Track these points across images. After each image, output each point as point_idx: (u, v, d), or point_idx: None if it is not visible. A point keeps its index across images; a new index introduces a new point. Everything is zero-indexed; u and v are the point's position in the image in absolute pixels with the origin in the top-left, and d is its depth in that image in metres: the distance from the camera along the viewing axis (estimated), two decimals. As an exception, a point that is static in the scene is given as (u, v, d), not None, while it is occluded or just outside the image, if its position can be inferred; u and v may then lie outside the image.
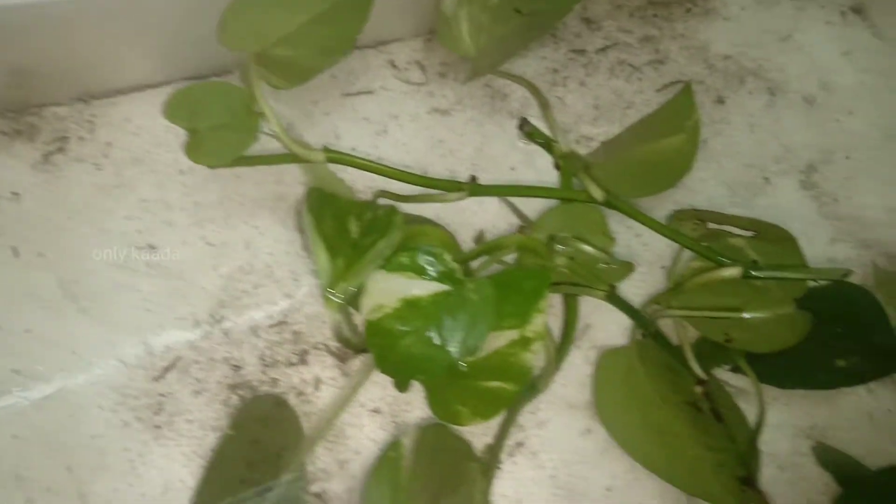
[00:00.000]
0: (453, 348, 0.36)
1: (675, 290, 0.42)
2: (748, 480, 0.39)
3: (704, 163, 0.52)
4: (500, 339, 0.38)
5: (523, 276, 0.39)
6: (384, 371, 0.36)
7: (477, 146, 0.50)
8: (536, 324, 0.38)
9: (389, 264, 0.37)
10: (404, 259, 0.37)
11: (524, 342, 0.38)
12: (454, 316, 0.37)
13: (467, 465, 0.39)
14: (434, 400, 0.39)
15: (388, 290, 0.37)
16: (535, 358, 0.38)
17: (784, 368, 0.45)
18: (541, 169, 0.50)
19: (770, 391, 0.46)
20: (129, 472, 0.39)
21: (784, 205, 0.53)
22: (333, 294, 0.36)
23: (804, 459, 0.46)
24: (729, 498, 0.40)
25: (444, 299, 0.37)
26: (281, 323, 0.43)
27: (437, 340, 0.36)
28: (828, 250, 0.52)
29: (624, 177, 0.47)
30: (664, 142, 0.48)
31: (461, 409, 0.38)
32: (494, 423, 0.44)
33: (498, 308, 0.38)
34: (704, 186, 0.51)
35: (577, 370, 0.46)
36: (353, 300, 0.38)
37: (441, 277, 0.37)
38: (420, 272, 0.37)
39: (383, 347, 0.36)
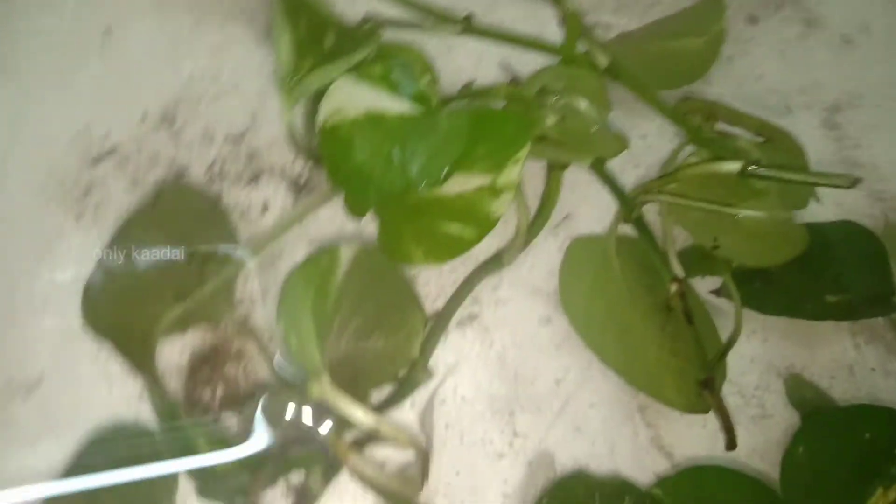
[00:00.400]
0: (414, 170, 0.33)
1: (667, 177, 0.38)
2: (708, 383, 0.36)
3: (725, 79, 0.48)
4: (468, 183, 0.35)
5: (505, 118, 0.35)
6: (335, 182, 0.33)
7: (484, 9, 0.46)
8: (511, 174, 0.35)
9: (359, 72, 0.33)
10: (377, 69, 0.33)
11: (494, 191, 0.35)
12: (420, 138, 0.33)
13: (410, 312, 0.35)
14: (386, 235, 0.35)
15: (352, 97, 0.33)
16: (503, 210, 0.35)
17: (770, 293, 0.41)
18: (549, 42, 0.46)
19: (750, 323, 0.42)
20: (42, 249, 0.36)
21: (802, 137, 0.48)
22: (292, 85, 0.32)
23: (771, 396, 0.42)
24: (683, 401, 0.36)
25: (412, 120, 0.33)
26: (238, 138, 0.40)
27: (397, 159, 0.33)
28: (838, 194, 0.47)
29: (634, 66, 0.43)
30: (684, 41, 0.45)
31: (414, 249, 0.34)
32: (448, 287, 0.41)
33: (471, 148, 0.34)
34: (720, 101, 0.48)
35: (549, 258, 0.42)
36: (313, 107, 0.34)
37: (414, 98, 0.34)
38: (392, 87, 0.34)
39: (337, 156, 0.33)
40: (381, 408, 0.34)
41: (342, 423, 0.31)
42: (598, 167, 0.38)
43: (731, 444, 0.35)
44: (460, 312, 0.40)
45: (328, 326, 0.31)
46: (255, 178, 0.39)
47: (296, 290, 0.31)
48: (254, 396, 0.31)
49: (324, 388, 0.29)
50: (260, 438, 0.30)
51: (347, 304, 0.32)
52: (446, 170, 0.33)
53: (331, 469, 0.33)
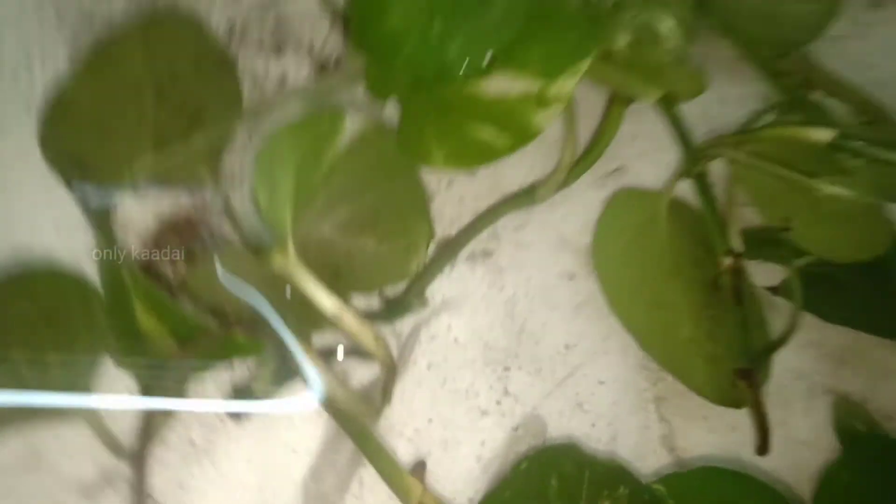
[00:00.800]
0: (453, 49, 0.28)
1: (747, 133, 0.33)
2: (748, 375, 0.30)
3: (832, 57, 0.41)
4: (513, 85, 0.30)
5: (571, 21, 0.29)
6: (360, 46, 0.28)
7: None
8: (565, 85, 0.29)
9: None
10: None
11: (541, 100, 0.30)
12: (469, 15, 0.28)
13: (416, 223, 0.30)
14: (406, 126, 0.30)
15: (398, -42, 0.28)
16: (547, 124, 0.30)
17: (837, 298, 0.35)
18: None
19: (807, 332, 0.36)
20: (19, 61, 0.32)
21: (907, 143, 0.43)
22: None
23: (811, 420, 0.36)
24: (713, 390, 0.30)
25: (462, -3, 0.29)
26: (269, 1, 0.35)
27: (436, 32, 0.28)
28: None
29: (732, 20, 0.38)
30: (792, 4, 0.39)
31: (435, 148, 0.29)
32: (466, 216, 0.36)
33: (525, 45, 0.29)
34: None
35: (587, 209, 0.36)
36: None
37: (469, -25, 0.29)
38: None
39: (368, 15, 0.28)
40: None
41: (305, 320, 0.26)
42: (667, 106, 0.32)
43: (763, 447, 0.29)
44: (474, 244, 0.35)
45: (310, 196, 0.27)
46: (278, 49, 0.35)
47: (282, 143, 0.26)
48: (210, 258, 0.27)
49: (288, 259, 0.24)
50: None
51: (341, 183, 0.28)
52: (490, 56, 0.28)
53: (281, 374, 0.28)
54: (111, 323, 0.27)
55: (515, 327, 0.35)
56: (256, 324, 0.26)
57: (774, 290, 0.36)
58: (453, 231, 0.35)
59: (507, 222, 0.36)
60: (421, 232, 0.31)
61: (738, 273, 0.31)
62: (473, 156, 0.29)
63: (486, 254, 0.35)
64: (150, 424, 0.27)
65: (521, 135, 0.30)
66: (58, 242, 0.30)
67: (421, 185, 0.31)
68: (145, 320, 0.26)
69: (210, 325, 0.26)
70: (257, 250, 0.25)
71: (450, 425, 0.33)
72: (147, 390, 0.27)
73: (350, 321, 0.24)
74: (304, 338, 0.28)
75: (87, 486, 0.30)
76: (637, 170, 0.38)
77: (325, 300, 0.24)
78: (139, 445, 0.27)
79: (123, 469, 0.30)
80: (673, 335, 0.32)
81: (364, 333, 0.25)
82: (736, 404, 0.31)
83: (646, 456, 0.34)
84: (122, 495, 0.30)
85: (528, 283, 0.35)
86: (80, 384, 0.27)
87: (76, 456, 0.30)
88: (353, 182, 0.28)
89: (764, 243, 0.35)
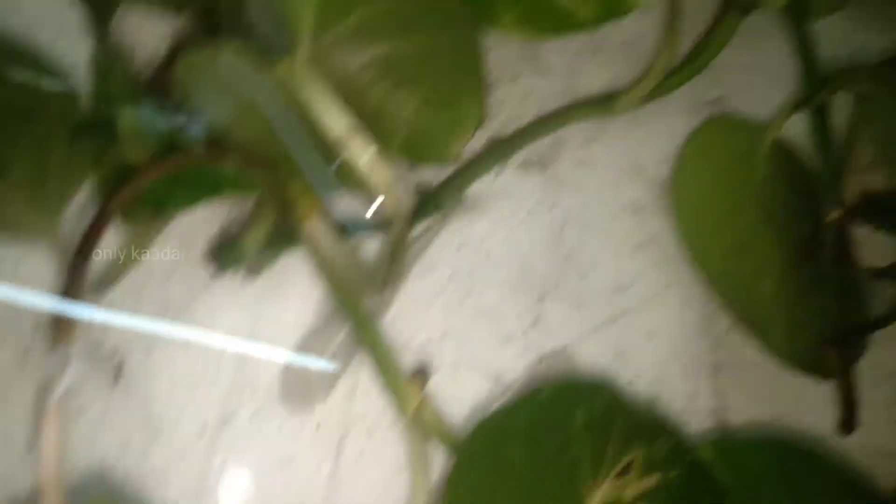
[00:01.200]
0: None
1: (890, 66, 0.27)
2: (841, 341, 0.24)
3: None
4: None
5: None
6: None
7: None
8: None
9: None
10: None
11: (640, -22, 0.25)
12: None
13: (467, 96, 0.25)
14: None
15: None
16: (641, 2, 0.25)
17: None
18: None
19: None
20: None
21: None
22: None
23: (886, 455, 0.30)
24: (793, 354, 0.25)
25: None
26: None
27: None
28: None
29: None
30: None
31: (505, 10, 0.25)
32: (526, 117, 0.30)
33: None
34: None
35: (671, 138, 0.30)
36: None
37: None
38: None
39: None
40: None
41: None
42: (795, 18, 0.26)
43: (848, 424, 0.24)
44: (530, 151, 0.30)
45: (344, 8, 0.22)
46: None
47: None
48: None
49: (298, 67, 0.20)
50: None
51: (385, 9, 0.23)
52: None
53: (282, 237, 0.24)
54: (92, 129, 0.23)
55: (560, 254, 0.30)
56: (255, 161, 0.22)
57: (880, 272, 0.30)
58: (509, 130, 0.30)
59: (573, 133, 0.30)
60: (470, 109, 0.26)
61: (844, 230, 0.26)
62: (549, 22, 0.25)
63: (543, 164, 0.30)
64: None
65: (610, 7, 0.25)
66: (55, 47, 0.27)
67: (480, 54, 0.26)
68: (128, 134, 0.23)
69: (198, 149, 0.22)
70: (263, 52, 0.20)
71: (465, 345, 0.28)
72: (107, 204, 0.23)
73: (359, 150, 0.20)
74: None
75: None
76: (740, 104, 0.31)
77: (335, 118, 0.19)
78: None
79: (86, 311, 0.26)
80: (754, 287, 0.26)
81: (377, 172, 0.20)
82: (820, 372, 0.25)
83: (689, 428, 0.29)
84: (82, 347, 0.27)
85: (584, 207, 0.30)
86: (47, 205, 0.24)
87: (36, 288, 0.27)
88: (401, 15, 0.23)
89: (881, 209, 0.29)
